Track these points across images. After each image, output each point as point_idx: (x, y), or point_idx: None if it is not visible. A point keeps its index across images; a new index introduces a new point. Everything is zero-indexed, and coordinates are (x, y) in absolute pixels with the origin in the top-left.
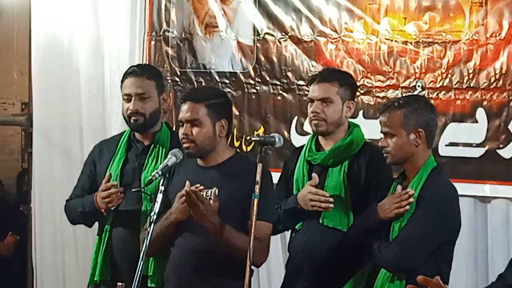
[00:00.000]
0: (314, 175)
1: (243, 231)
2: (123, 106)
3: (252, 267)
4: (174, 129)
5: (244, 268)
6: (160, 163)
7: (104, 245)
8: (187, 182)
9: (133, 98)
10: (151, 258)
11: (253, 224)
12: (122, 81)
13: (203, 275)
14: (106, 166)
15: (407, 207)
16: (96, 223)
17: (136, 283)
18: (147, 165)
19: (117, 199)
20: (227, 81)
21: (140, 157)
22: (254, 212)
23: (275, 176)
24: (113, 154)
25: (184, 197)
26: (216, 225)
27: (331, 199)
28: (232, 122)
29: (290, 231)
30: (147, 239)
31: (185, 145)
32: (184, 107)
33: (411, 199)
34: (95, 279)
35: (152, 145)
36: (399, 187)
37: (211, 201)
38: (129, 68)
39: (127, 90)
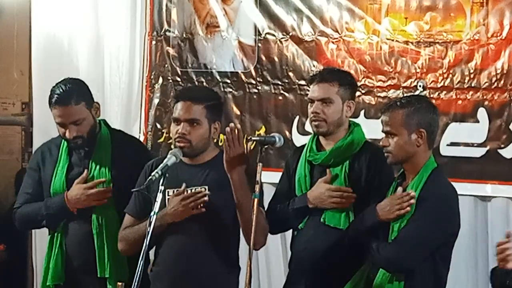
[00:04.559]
0: (328, 170)
1: (235, 224)
2: (59, 130)
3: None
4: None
5: (234, 266)
6: (104, 166)
7: (57, 248)
8: (184, 185)
9: (68, 126)
10: (106, 261)
11: (254, 223)
12: (51, 108)
13: (194, 275)
14: (51, 172)
15: (408, 208)
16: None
17: (136, 283)
18: (92, 170)
19: (105, 197)
20: (228, 81)
21: (83, 161)
22: (254, 212)
23: (276, 176)
24: (56, 159)
25: (185, 200)
26: (242, 177)
27: (354, 195)
28: (223, 124)
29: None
30: (146, 238)
31: (180, 144)
32: (183, 105)
33: (412, 201)
34: (47, 284)
35: (95, 149)
36: (399, 189)
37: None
38: (53, 94)
39: (58, 119)
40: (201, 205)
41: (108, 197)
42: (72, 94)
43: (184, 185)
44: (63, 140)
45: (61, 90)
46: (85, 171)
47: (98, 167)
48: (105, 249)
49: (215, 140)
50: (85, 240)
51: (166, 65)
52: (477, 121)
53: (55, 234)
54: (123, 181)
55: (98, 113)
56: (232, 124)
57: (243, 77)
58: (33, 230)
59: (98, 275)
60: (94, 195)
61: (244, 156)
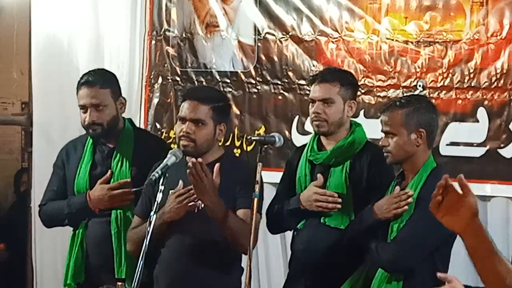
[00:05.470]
0: (319, 175)
1: None
2: (81, 117)
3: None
4: (174, 128)
5: (236, 267)
6: (126, 165)
7: (77, 247)
8: (180, 182)
9: (88, 109)
10: (123, 261)
11: (253, 223)
12: (77, 90)
13: (195, 275)
14: (75, 170)
15: (406, 207)
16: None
17: (136, 283)
18: (114, 169)
19: (128, 199)
20: (228, 81)
21: (106, 161)
22: (254, 212)
23: (276, 176)
24: (80, 157)
25: (180, 197)
26: (215, 202)
27: (339, 199)
28: (229, 125)
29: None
30: (146, 238)
31: (183, 143)
32: (189, 105)
33: (410, 199)
34: (68, 282)
35: (117, 147)
36: (397, 188)
37: (213, 177)
38: (83, 76)
39: (81, 101)
40: (196, 200)
41: (131, 198)
42: (100, 78)
43: (180, 182)
44: (88, 138)
45: (91, 73)
46: (109, 171)
47: (119, 165)
48: (123, 250)
49: (220, 142)
50: (105, 239)
51: (165, 65)
52: (477, 121)
53: (77, 232)
54: (144, 180)
55: (123, 109)
56: (193, 159)
57: (242, 76)
58: (33, 230)
59: (116, 276)
60: (117, 196)
61: (213, 183)
